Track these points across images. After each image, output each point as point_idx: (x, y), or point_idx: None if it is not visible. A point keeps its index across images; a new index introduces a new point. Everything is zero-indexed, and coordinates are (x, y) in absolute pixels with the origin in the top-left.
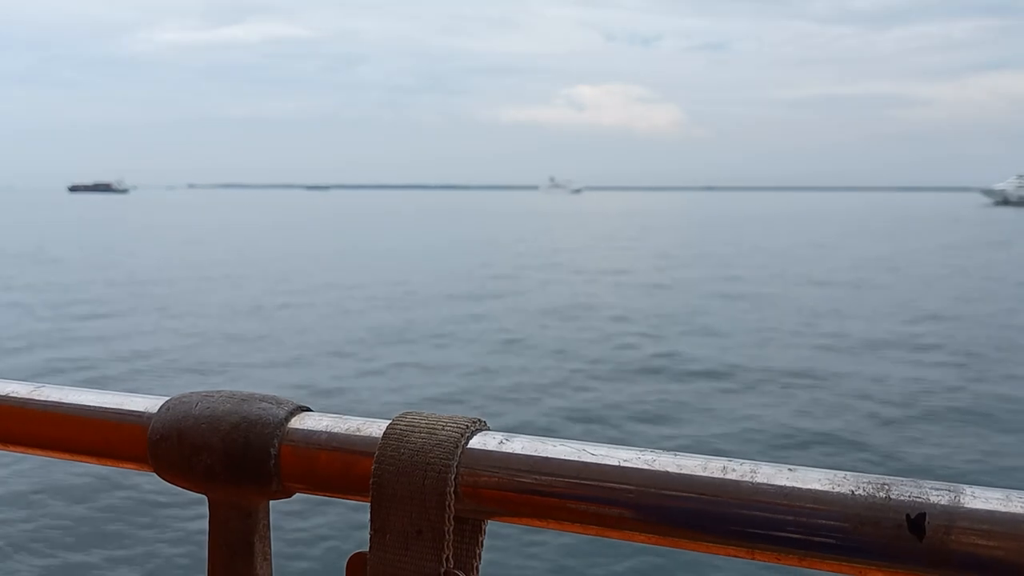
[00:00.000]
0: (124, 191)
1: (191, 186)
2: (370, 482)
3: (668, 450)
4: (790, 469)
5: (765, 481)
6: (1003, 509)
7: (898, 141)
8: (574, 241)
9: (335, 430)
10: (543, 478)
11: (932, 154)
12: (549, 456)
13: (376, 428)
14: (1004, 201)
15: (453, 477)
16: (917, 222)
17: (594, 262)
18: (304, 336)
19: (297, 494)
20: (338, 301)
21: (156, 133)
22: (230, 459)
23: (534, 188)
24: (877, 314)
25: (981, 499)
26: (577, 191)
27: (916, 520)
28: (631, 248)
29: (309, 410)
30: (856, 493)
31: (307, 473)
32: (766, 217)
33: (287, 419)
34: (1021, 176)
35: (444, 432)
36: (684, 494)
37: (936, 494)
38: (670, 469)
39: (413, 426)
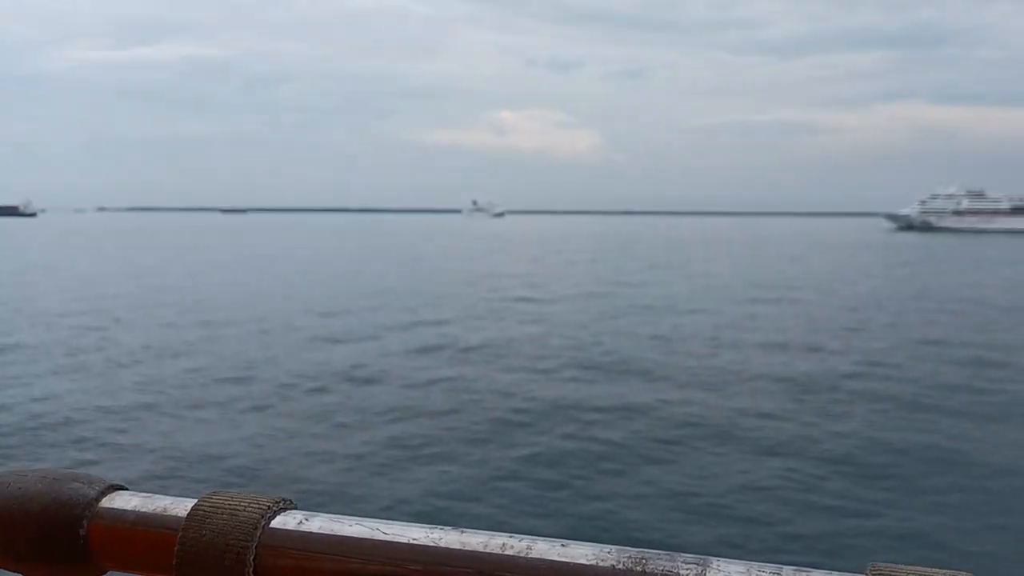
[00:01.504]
0: (32, 214)
1: (101, 209)
2: (173, 563)
3: (456, 527)
4: (563, 545)
5: (539, 556)
6: None
7: (808, 168)
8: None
9: (143, 510)
10: (338, 558)
11: (840, 181)
12: (344, 535)
13: (182, 508)
14: (908, 226)
15: (251, 558)
16: (830, 246)
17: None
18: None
19: (110, 572)
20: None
21: (65, 154)
22: (42, 540)
23: (457, 212)
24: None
25: (724, 572)
26: (499, 215)
27: None
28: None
29: (123, 488)
30: (616, 567)
31: (117, 552)
32: (682, 241)
33: (98, 499)
34: (923, 202)
35: (246, 513)
36: (467, 570)
37: (686, 567)
38: (454, 546)
39: (216, 507)
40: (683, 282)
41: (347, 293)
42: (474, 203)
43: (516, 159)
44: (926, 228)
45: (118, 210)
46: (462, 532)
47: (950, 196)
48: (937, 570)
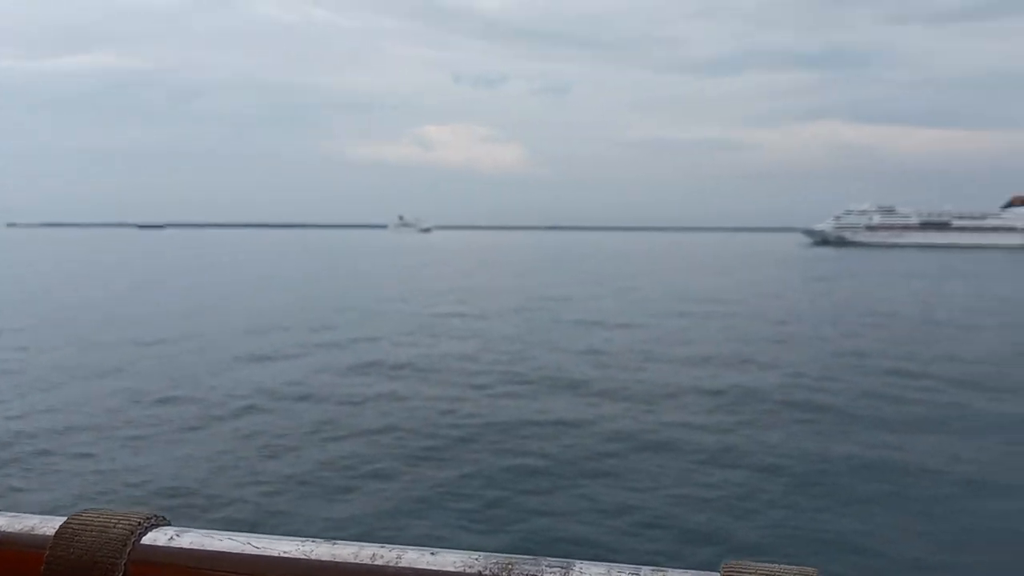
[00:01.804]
0: None
1: (11, 225)
2: None
3: (328, 539)
4: (432, 553)
5: (408, 565)
6: None
7: (729, 184)
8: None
9: (10, 529)
10: (208, 572)
11: (760, 197)
12: (215, 550)
13: (50, 527)
14: (824, 241)
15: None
16: (752, 260)
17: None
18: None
19: None
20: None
21: None
22: None
23: (383, 227)
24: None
25: (586, 574)
26: (426, 230)
27: None
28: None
29: None
30: (484, 573)
31: None
32: (608, 255)
33: None
34: (838, 218)
35: (116, 530)
36: None
37: (550, 570)
38: (325, 558)
39: (86, 524)
40: (612, 296)
41: (272, 310)
42: (401, 218)
43: (442, 174)
44: (841, 243)
45: (30, 226)
46: (333, 544)
47: (863, 212)
48: (786, 566)
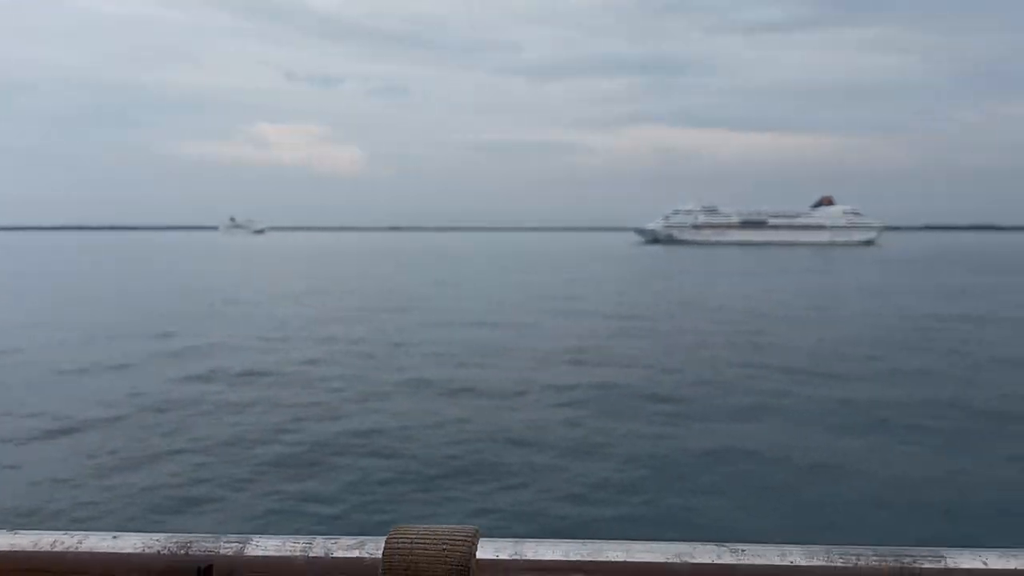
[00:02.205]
0: None
1: None
2: None
3: (10, 528)
4: (113, 536)
5: (88, 550)
6: (276, 554)
7: (565, 185)
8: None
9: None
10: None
11: (593, 197)
12: None
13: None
14: (654, 240)
15: None
16: (592, 259)
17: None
18: None
19: None
20: None
21: None
22: None
23: (214, 228)
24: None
25: (261, 547)
26: (260, 231)
27: (205, 570)
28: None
29: None
30: (162, 553)
31: None
32: (450, 256)
33: None
34: (667, 217)
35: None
36: (17, 570)
37: (227, 546)
38: (4, 548)
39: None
40: (456, 296)
41: (92, 319)
42: (232, 219)
43: (278, 174)
44: (670, 241)
45: None
46: (15, 534)
47: (689, 212)
48: (446, 526)
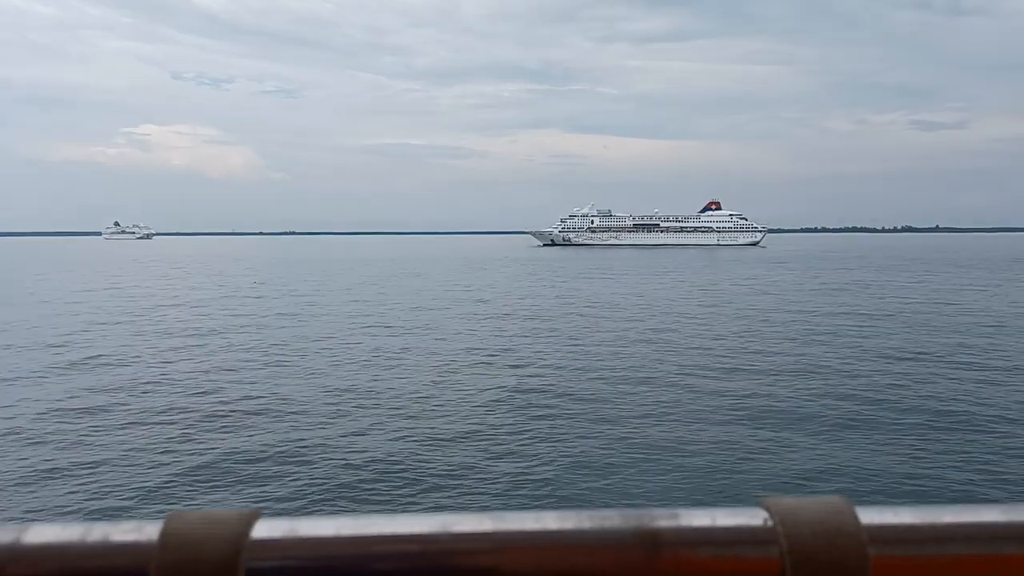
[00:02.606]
0: None
1: None
2: None
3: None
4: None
5: None
6: (55, 540)
7: (460, 189)
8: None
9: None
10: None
11: (489, 201)
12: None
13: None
14: (552, 242)
15: None
16: (492, 262)
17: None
18: None
19: None
20: None
21: None
22: None
23: (97, 234)
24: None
25: (39, 535)
26: (147, 236)
27: None
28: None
29: None
30: None
31: None
32: (346, 259)
33: None
34: (563, 221)
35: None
36: None
37: (2, 537)
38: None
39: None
40: (358, 300)
41: None
42: (116, 224)
43: (165, 177)
44: (567, 243)
45: None
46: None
47: (584, 215)
48: (223, 509)
